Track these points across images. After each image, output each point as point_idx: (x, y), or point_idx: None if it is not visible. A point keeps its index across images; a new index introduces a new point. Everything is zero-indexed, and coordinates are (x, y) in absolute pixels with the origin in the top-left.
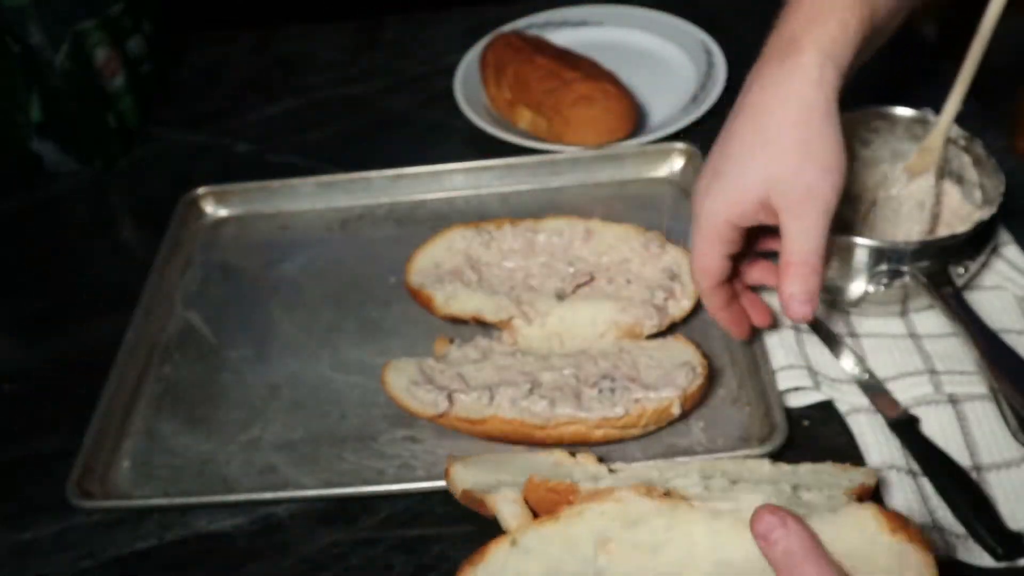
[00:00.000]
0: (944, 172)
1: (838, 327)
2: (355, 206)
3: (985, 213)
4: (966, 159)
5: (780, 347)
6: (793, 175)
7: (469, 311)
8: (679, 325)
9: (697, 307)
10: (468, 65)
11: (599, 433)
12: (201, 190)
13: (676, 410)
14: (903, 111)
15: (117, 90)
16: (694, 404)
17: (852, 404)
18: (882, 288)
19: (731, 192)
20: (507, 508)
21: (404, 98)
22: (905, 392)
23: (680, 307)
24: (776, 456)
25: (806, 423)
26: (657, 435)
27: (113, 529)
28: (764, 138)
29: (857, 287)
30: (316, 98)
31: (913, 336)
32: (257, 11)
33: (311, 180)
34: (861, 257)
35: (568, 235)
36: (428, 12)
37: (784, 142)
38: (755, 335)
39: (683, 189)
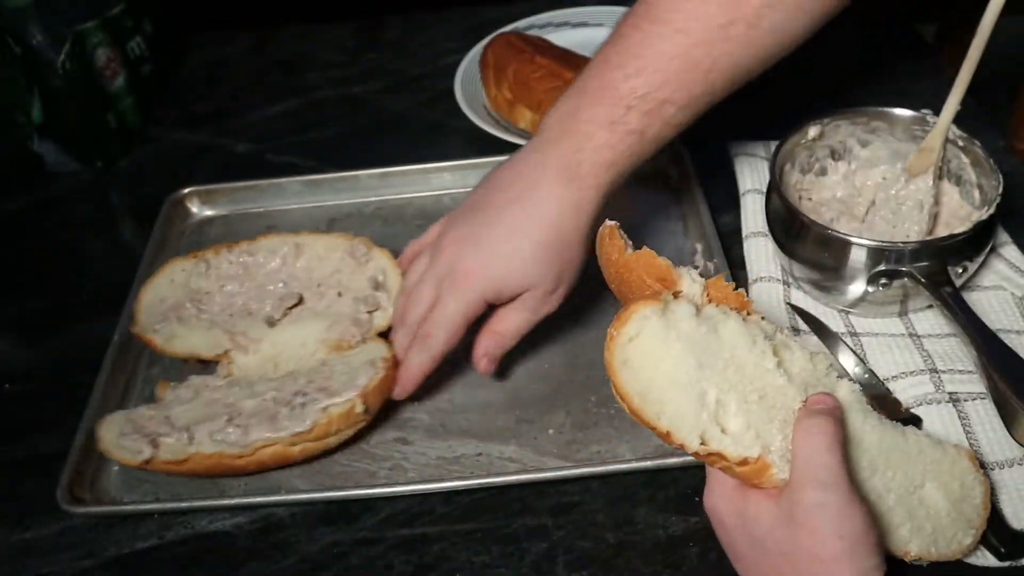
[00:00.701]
0: (943, 173)
1: (838, 327)
2: (343, 204)
3: (983, 214)
4: (965, 160)
5: None
6: (540, 286)
7: (186, 351)
8: None
9: None
10: (468, 65)
11: (296, 450)
12: (187, 190)
13: (359, 409)
14: (902, 112)
15: (118, 90)
16: (383, 398)
17: None
18: (881, 289)
19: (496, 281)
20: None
21: (404, 98)
22: (906, 392)
23: (386, 316)
24: None
25: None
26: (648, 436)
27: (113, 529)
28: (530, 250)
29: (856, 288)
30: (316, 98)
31: (913, 336)
32: (257, 11)
33: (298, 179)
34: (860, 257)
35: (280, 254)
36: (428, 12)
37: (541, 262)
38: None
39: (672, 187)
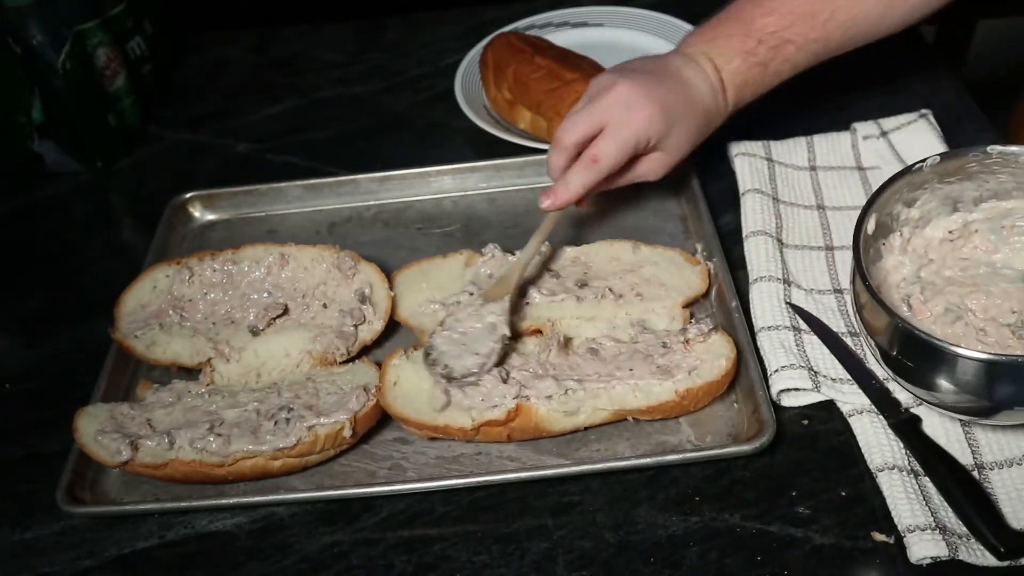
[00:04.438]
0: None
1: (838, 327)
2: (343, 208)
3: None
4: None
5: (781, 348)
6: (678, 152)
7: (168, 358)
8: None
9: (388, 327)
10: (468, 65)
11: (277, 464)
12: (188, 195)
13: (347, 433)
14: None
15: (118, 91)
16: (370, 424)
17: (854, 405)
18: None
19: (662, 128)
20: None
21: (404, 98)
22: (906, 392)
23: (372, 330)
24: (772, 454)
25: (806, 423)
26: (647, 433)
27: (113, 529)
28: (694, 120)
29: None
30: (316, 98)
31: None
32: (257, 11)
33: (299, 183)
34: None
35: (265, 263)
36: (428, 12)
37: (693, 134)
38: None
39: (670, 187)
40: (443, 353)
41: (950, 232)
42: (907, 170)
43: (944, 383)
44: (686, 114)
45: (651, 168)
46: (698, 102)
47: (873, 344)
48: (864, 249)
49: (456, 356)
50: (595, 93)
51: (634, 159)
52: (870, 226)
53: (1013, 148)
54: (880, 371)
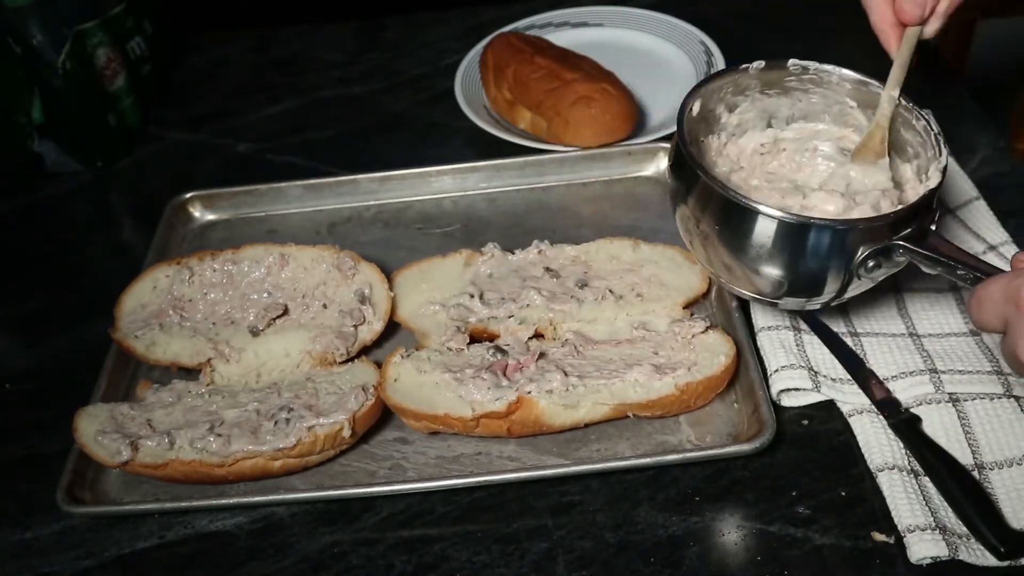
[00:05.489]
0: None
1: (838, 327)
2: (343, 208)
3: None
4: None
5: (781, 348)
6: None
7: (168, 359)
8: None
9: (388, 327)
10: (468, 65)
11: (277, 464)
12: (188, 195)
13: (347, 433)
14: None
15: (118, 91)
16: (369, 423)
17: (854, 405)
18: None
19: None
20: None
21: (404, 98)
22: (906, 391)
23: (372, 330)
24: (772, 454)
25: (806, 423)
26: (647, 433)
27: (113, 529)
28: None
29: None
30: (316, 98)
31: (913, 336)
32: (257, 11)
33: (299, 183)
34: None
35: (265, 263)
36: (428, 12)
37: None
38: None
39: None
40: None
41: (762, 145)
42: (735, 68)
43: (746, 248)
44: None
45: None
46: None
47: (677, 213)
48: (688, 130)
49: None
50: None
51: None
52: (695, 108)
53: (827, 66)
54: (880, 370)
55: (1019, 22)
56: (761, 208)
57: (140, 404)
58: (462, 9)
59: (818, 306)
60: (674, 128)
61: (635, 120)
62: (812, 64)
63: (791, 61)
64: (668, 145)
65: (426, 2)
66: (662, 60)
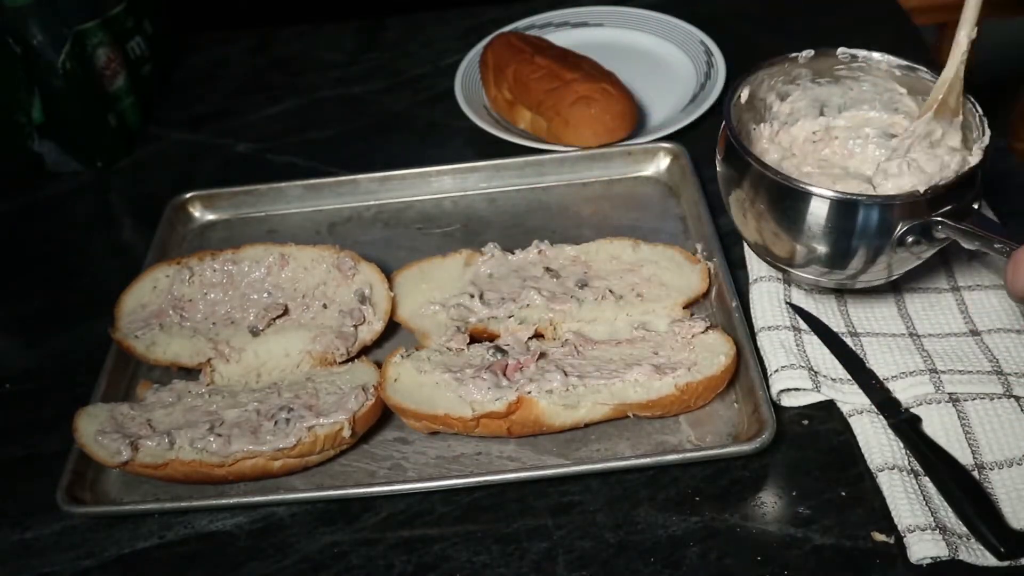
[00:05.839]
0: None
1: (838, 326)
2: (343, 208)
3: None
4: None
5: (781, 348)
6: None
7: (168, 359)
8: None
9: (388, 327)
10: (468, 65)
11: (277, 464)
12: (188, 194)
13: (347, 433)
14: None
15: (118, 91)
16: (369, 423)
17: (854, 405)
18: (908, 249)
19: None
20: None
21: (404, 98)
22: (906, 392)
23: (372, 330)
24: (772, 454)
25: (806, 423)
26: (647, 433)
27: (113, 529)
28: None
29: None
30: (316, 98)
31: (913, 335)
32: (257, 11)
33: (299, 183)
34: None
35: (265, 263)
36: (428, 12)
37: None
38: None
39: (669, 187)
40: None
41: (814, 133)
42: (784, 58)
43: (800, 228)
44: None
45: None
46: None
47: (732, 196)
48: (736, 117)
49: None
50: None
51: None
52: (744, 95)
53: (875, 54)
54: (880, 370)
55: (1020, 23)
56: (804, 186)
57: (140, 404)
58: (462, 9)
59: (870, 283)
60: (674, 128)
61: (635, 120)
62: (861, 52)
63: (840, 49)
64: (668, 145)
65: (426, 2)
66: (662, 60)
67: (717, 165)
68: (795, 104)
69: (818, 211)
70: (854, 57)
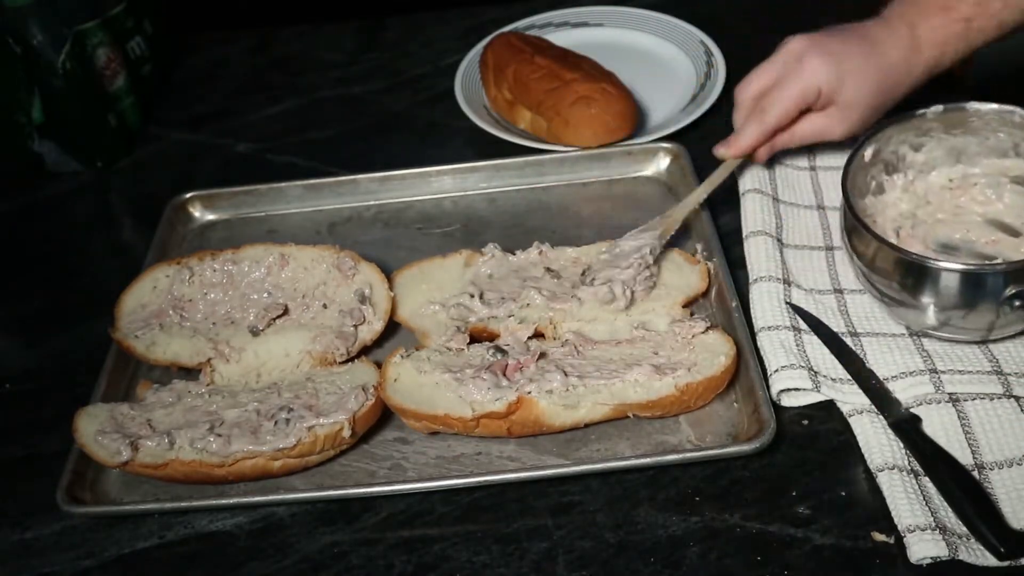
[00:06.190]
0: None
1: (838, 326)
2: (343, 208)
3: None
4: None
5: (780, 348)
6: (856, 106)
7: (168, 359)
8: None
9: (388, 327)
10: (468, 65)
11: (277, 464)
12: (188, 195)
13: (347, 433)
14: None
15: (118, 91)
16: (369, 423)
17: (854, 405)
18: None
19: (833, 80)
20: None
21: (404, 98)
22: (906, 391)
23: (372, 330)
24: (772, 454)
25: (806, 423)
26: (647, 433)
27: (113, 529)
28: (872, 75)
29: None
30: (316, 98)
31: (913, 336)
32: (257, 11)
33: (299, 183)
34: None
35: (265, 263)
36: (428, 12)
37: (872, 88)
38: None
39: (669, 187)
40: (597, 271)
41: (951, 180)
42: (911, 114)
43: (922, 298)
44: (862, 68)
45: (828, 124)
46: (880, 59)
47: (859, 265)
48: (858, 175)
49: (602, 270)
50: (776, 51)
51: (809, 113)
52: (868, 154)
53: (1008, 107)
54: (880, 370)
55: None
56: (912, 256)
57: (140, 404)
58: (462, 9)
59: (969, 339)
60: (674, 128)
61: (635, 120)
62: (992, 105)
63: (970, 104)
64: (668, 145)
65: (426, 2)
66: (662, 60)
67: (843, 240)
68: (931, 154)
69: (932, 277)
70: (985, 111)
